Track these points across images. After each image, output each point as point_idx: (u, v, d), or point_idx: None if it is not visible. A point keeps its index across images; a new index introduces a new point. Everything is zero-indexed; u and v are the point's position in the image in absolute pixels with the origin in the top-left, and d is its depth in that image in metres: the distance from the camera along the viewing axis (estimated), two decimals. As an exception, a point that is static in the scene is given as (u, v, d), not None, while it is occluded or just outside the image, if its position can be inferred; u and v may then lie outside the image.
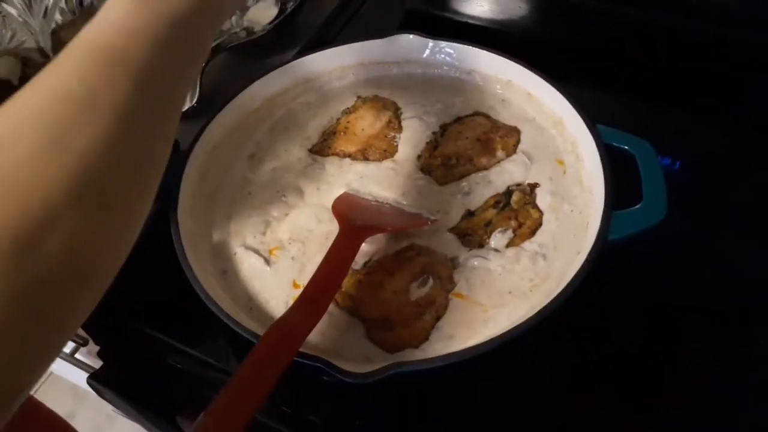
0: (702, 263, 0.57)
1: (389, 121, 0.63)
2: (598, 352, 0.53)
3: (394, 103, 0.66)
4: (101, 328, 0.61)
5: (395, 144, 0.62)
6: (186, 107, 0.69)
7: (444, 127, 0.63)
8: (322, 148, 0.63)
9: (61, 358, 0.88)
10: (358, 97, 0.67)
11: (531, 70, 0.62)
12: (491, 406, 0.51)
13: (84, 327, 0.61)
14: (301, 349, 0.45)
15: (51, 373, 1.47)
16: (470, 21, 0.84)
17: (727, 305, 0.56)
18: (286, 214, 0.58)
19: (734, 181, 0.63)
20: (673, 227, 0.53)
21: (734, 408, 0.50)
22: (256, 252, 0.55)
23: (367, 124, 0.63)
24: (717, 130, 0.68)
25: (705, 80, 0.72)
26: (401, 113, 0.65)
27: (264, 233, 0.57)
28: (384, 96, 0.67)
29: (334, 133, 0.64)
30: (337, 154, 0.62)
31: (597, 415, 0.50)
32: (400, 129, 0.63)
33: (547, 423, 0.50)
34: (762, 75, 0.71)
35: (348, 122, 0.64)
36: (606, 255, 0.49)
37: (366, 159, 0.61)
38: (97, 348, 0.65)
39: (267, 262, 0.55)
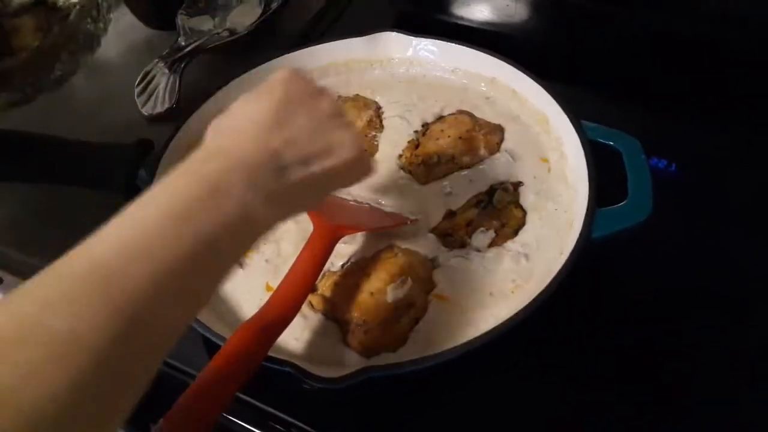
0: (694, 260, 0.56)
1: (370, 120, 0.62)
2: (585, 349, 0.51)
3: (375, 102, 0.64)
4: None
5: (376, 143, 0.61)
6: (165, 108, 0.68)
7: (426, 126, 0.61)
8: None
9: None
10: (339, 96, 0.65)
11: (514, 66, 0.61)
12: (472, 406, 0.49)
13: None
14: (270, 353, 0.43)
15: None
16: (459, 22, 0.83)
17: (720, 302, 0.54)
18: None
19: (727, 179, 0.61)
20: (666, 225, 0.52)
21: (732, 405, 0.48)
22: (229, 253, 0.53)
23: None
24: (709, 127, 0.66)
25: (693, 77, 0.70)
26: (383, 112, 0.63)
27: None
28: (366, 95, 0.65)
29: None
30: None
31: (579, 412, 0.48)
32: (381, 128, 0.62)
33: (526, 421, 0.48)
34: (756, 74, 0.70)
35: None
36: (594, 254, 0.48)
37: None
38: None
39: (240, 263, 0.53)
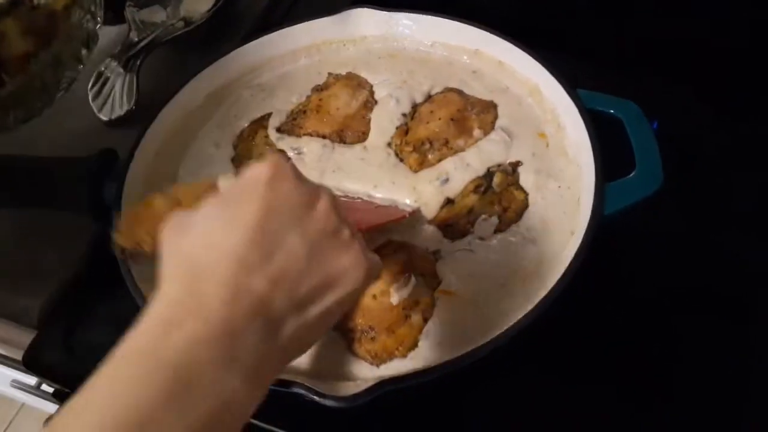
0: (694, 258, 0.53)
1: (366, 102, 0.58)
2: (584, 346, 0.49)
3: (368, 82, 0.60)
4: (55, 368, 0.55)
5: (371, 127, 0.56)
6: (124, 110, 0.62)
7: (414, 107, 0.57)
8: (292, 128, 0.57)
9: (28, 392, 0.82)
10: (330, 74, 0.61)
11: (498, 35, 0.58)
12: (476, 405, 0.48)
13: (37, 371, 0.55)
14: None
15: (23, 404, 1.39)
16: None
17: (720, 300, 0.52)
18: None
19: (732, 173, 0.58)
20: (666, 221, 0.50)
21: (734, 404, 0.47)
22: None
23: (342, 103, 0.57)
24: (709, 125, 0.62)
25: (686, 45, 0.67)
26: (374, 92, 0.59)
27: None
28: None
29: (305, 112, 0.58)
30: (309, 134, 0.56)
31: (579, 408, 0.47)
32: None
33: (525, 417, 0.47)
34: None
35: (320, 100, 0.58)
36: (593, 250, 0.44)
37: (343, 141, 0.56)
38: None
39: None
